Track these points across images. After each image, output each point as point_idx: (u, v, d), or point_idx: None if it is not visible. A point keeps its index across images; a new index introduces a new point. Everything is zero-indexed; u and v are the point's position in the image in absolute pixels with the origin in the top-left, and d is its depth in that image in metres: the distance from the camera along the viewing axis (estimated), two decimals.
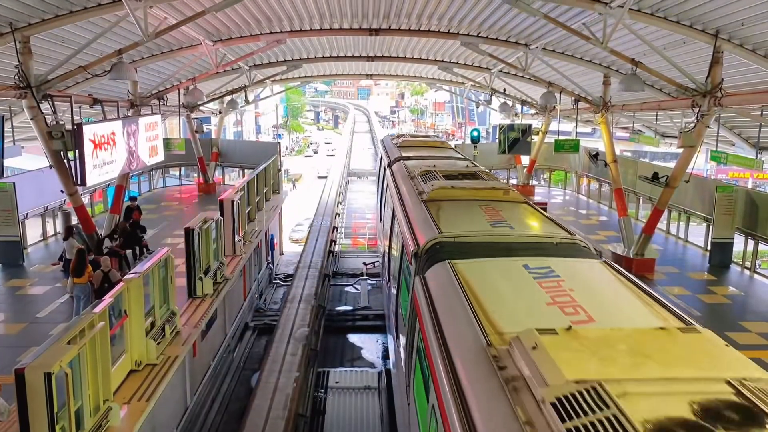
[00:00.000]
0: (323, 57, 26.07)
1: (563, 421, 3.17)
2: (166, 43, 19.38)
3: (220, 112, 31.67)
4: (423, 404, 5.48)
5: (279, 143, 33.21)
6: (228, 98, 29.20)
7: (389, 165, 15.30)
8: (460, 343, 4.62)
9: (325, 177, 51.76)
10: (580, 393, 3.32)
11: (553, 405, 3.32)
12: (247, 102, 30.07)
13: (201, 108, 28.82)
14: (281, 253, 28.24)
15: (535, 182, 32.99)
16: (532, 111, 30.42)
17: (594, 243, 8.67)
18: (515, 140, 28.03)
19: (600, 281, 5.88)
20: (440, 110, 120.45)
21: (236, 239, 17.08)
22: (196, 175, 31.85)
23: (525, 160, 31.23)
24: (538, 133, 29.20)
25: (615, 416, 3.10)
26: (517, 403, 3.53)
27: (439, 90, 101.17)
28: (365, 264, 24.24)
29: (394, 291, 10.09)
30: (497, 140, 30.18)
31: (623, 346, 3.87)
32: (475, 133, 30.26)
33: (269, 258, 23.64)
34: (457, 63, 26.44)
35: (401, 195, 11.24)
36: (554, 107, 25.80)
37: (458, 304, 5.26)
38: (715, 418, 3.12)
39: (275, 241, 25.48)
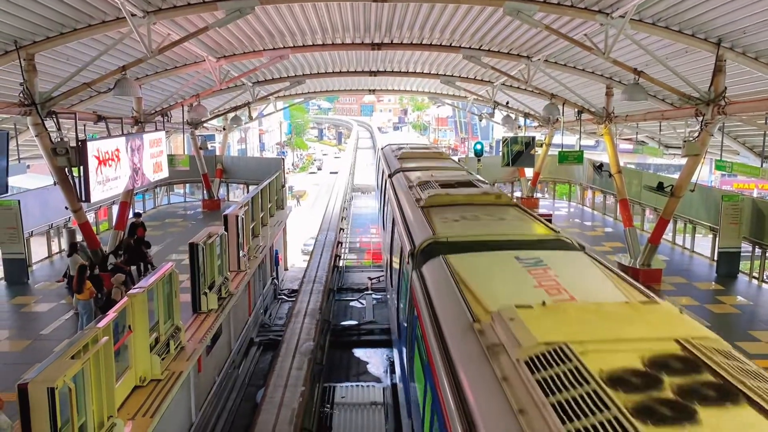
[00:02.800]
0: (326, 72, 26.17)
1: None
2: (170, 59, 19.48)
3: (224, 129, 31.77)
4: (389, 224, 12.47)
5: (283, 159, 33.27)
6: (232, 115, 29.30)
7: (382, 149, 26.78)
8: (405, 201, 10.80)
9: (337, 173, 69.22)
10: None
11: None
12: (250, 118, 30.17)
13: (205, 125, 28.91)
14: (286, 269, 28.15)
15: (539, 195, 32.90)
16: (535, 123, 30.43)
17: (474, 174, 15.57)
18: (519, 153, 28.00)
19: (457, 173, 13.52)
20: (443, 125, 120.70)
21: (241, 254, 17.03)
22: (200, 191, 31.92)
23: (529, 172, 31.17)
24: (541, 146, 29.17)
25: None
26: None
27: (441, 105, 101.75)
28: (370, 278, 24.14)
29: (381, 184, 21.00)
30: (500, 153, 30.15)
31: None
32: (479, 147, 30.26)
33: (274, 273, 23.57)
34: (459, 77, 26.51)
35: (386, 159, 21.29)
36: (557, 119, 25.79)
37: (403, 184, 12.54)
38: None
39: (280, 257, 25.43)
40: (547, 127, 28.62)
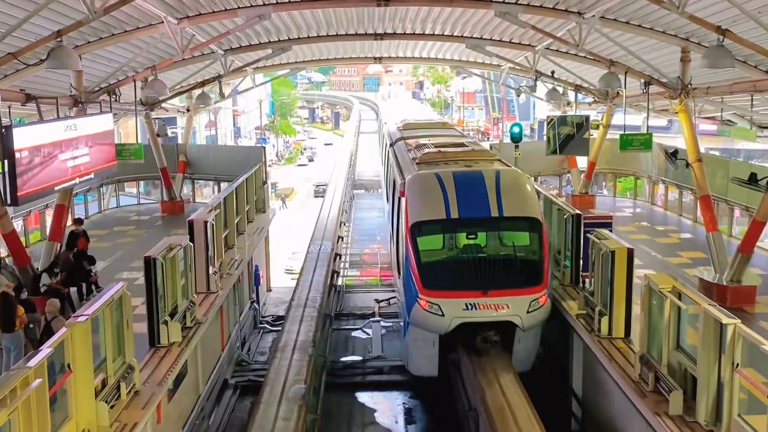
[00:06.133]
0: (318, 36, 26.24)
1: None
2: (118, 21, 19.55)
3: (188, 110, 31.91)
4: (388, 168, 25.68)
5: (264, 148, 33.33)
6: (198, 92, 29.40)
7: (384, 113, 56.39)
8: (392, 127, 29.52)
9: (331, 144, 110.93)
10: (427, 148, 19.97)
11: (416, 152, 19.77)
12: (222, 96, 30.24)
13: (163, 105, 29.00)
14: (269, 289, 28.23)
15: (596, 191, 32.85)
16: (590, 99, 30.37)
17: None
18: (568, 137, 27.91)
19: (453, 135, 26.45)
20: (470, 102, 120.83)
21: (211, 271, 17.13)
22: (158, 191, 32.04)
23: (582, 162, 31.09)
24: (597, 128, 29.07)
25: (425, 144, 20.73)
26: (411, 156, 19.37)
27: (467, 77, 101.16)
28: (378, 301, 24.18)
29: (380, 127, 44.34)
30: (545, 138, 30.02)
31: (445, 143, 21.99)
32: (516, 130, 30.10)
33: (254, 295, 23.66)
34: (490, 40, 26.45)
35: (386, 121, 38.28)
36: (618, 93, 25.70)
37: (392, 126, 30.48)
38: (452, 145, 20.68)
39: (261, 274, 25.49)
40: (605, 103, 28.54)
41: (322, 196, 49.31)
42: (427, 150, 19.30)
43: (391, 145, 24.58)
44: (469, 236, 15.51)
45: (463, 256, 15.41)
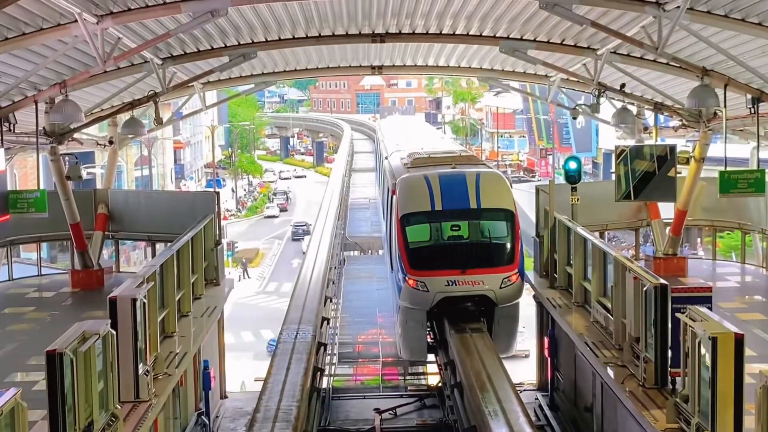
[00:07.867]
0: (294, 38, 26.46)
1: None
2: (12, 20, 19.67)
3: (110, 143, 31.98)
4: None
5: (217, 195, 33.35)
6: (125, 117, 29.54)
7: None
8: (389, 144, 42.96)
9: (304, 176, 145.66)
10: (417, 154, 29.64)
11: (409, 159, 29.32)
12: (158, 122, 30.40)
13: (77, 136, 29.10)
14: (224, 395, 28.01)
15: (688, 251, 32.74)
16: (675, 122, 30.48)
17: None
18: (647, 175, 27.86)
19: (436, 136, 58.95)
20: (507, 127, 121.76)
21: (141, 371, 16.98)
22: (67, 256, 31.96)
23: (667, 210, 31.07)
24: (687, 162, 29.11)
25: (420, 153, 30.13)
26: (402, 162, 28.95)
27: (502, 92, 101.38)
28: (379, 412, 24.32)
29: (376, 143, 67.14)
30: (613, 177, 30.02)
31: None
32: (573, 166, 30.07)
33: (202, 404, 23.49)
34: (534, 41, 26.66)
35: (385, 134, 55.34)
36: (715, 114, 25.82)
37: (391, 134, 50.36)
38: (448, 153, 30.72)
39: (212, 373, 25.30)
40: (698, 128, 28.58)
41: (301, 239, 62.53)
42: (417, 156, 28.22)
43: (387, 157, 35.39)
44: (452, 227, 23.80)
45: (445, 242, 24.04)
